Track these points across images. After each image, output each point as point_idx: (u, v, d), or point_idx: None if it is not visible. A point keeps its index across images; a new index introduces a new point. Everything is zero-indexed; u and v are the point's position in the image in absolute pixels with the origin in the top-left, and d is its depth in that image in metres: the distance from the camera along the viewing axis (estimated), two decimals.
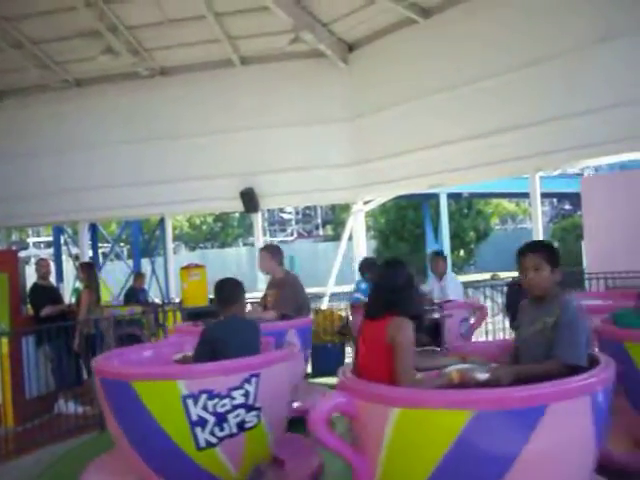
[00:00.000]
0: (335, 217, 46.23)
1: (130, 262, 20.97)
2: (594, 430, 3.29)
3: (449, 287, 8.94)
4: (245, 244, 45.41)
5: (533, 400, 3.11)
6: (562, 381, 3.25)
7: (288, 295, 6.91)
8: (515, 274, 7.86)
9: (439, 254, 9.63)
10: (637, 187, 10.29)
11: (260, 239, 16.31)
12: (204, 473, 4.44)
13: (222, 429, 4.39)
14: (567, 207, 42.23)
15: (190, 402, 4.31)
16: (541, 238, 12.18)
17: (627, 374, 4.08)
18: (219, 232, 47.38)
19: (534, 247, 4.10)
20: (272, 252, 7.26)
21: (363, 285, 9.18)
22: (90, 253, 18.37)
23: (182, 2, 13.29)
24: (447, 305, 7.51)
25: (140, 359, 5.55)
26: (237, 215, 43.52)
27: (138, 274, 14.26)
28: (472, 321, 8.59)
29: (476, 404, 3.08)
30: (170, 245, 16.99)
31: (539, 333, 3.83)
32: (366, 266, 9.31)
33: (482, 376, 3.57)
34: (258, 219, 16.03)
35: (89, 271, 9.78)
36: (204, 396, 4.32)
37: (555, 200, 42.95)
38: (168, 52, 14.97)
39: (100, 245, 21.24)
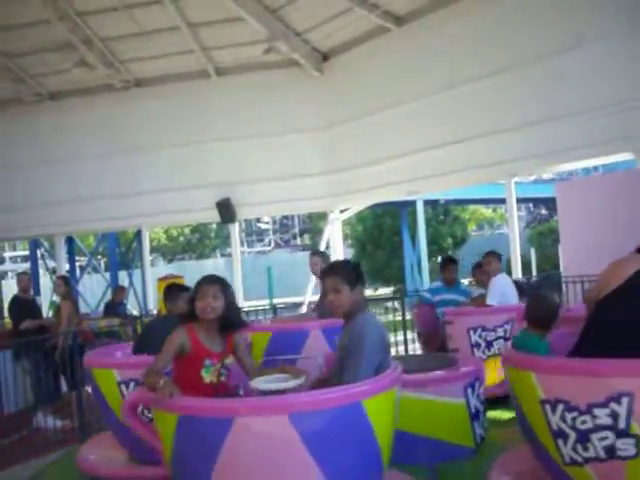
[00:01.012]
0: (312, 226, 46.24)
1: (107, 275, 20.82)
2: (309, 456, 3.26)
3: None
4: (223, 255, 45.24)
5: (220, 412, 3.37)
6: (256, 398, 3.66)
7: (320, 299, 7.07)
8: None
9: (452, 260, 8.92)
10: (611, 191, 10.41)
11: (237, 250, 16.29)
12: None
13: None
14: (543, 212, 42.54)
15: None
16: (518, 243, 12.31)
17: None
18: (196, 243, 47.19)
19: (332, 269, 4.12)
20: (323, 257, 7.62)
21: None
22: (67, 266, 18.22)
23: (156, 13, 13.27)
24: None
25: None
26: (214, 226, 43.37)
27: (118, 288, 14.16)
28: None
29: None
30: (147, 257, 16.91)
31: (339, 353, 3.94)
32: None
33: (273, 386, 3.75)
34: (235, 230, 16.01)
35: (67, 284, 9.72)
36: None
37: (531, 205, 43.29)
38: (143, 64, 14.93)
39: (77, 258, 21.03)
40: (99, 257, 32.34)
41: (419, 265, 25.09)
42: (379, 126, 13.62)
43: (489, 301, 7.13)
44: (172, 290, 6.02)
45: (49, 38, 13.69)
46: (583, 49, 10.46)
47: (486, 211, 40.61)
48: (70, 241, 18.54)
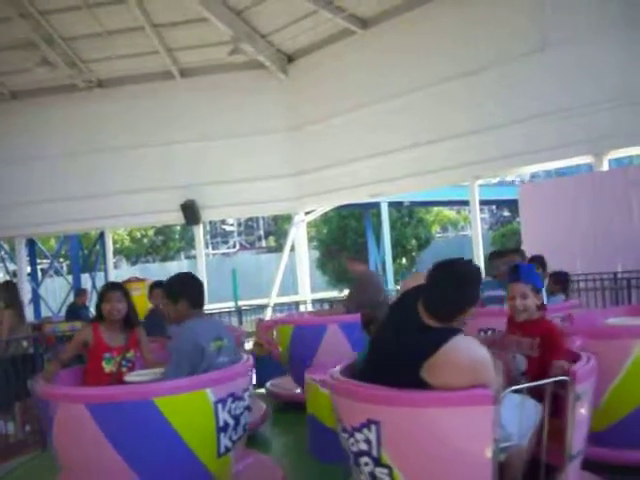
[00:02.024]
0: (277, 228, 46.18)
1: (70, 278, 20.56)
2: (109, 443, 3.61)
3: None
4: (187, 257, 44.91)
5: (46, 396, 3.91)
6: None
7: (353, 291, 7.55)
8: None
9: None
10: (571, 193, 10.57)
11: (202, 252, 16.22)
12: None
13: None
14: (506, 214, 43.02)
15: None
16: (480, 245, 12.45)
17: None
18: (161, 245, 46.80)
19: (156, 285, 4.72)
20: (351, 257, 7.92)
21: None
22: (28, 269, 17.94)
23: (120, 13, 13.15)
24: None
25: None
26: (179, 228, 43.06)
27: (80, 291, 13.96)
28: None
29: None
30: (110, 259, 16.75)
31: None
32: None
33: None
34: (200, 232, 15.93)
35: (10, 290, 9.37)
36: None
37: (494, 207, 43.75)
38: (106, 64, 14.78)
39: (39, 261, 20.73)
40: (61, 260, 31.88)
41: (384, 266, 25.20)
42: (344, 128, 13.67)
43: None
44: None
45: (10, 36, 13.50)
46: (547, 53, 10.62)
47: (450, 213, 40.94)
48: (31, 243, 18.25)
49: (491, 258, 7.04)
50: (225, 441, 3.91)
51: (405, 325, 3.23)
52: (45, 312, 17.32)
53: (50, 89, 15.39)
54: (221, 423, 3.86)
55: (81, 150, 15.08)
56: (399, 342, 3.17)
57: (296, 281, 15.89)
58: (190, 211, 14.85)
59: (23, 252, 16.95)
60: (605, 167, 10.64)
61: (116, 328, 4.67)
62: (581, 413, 3.28)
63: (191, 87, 15.03)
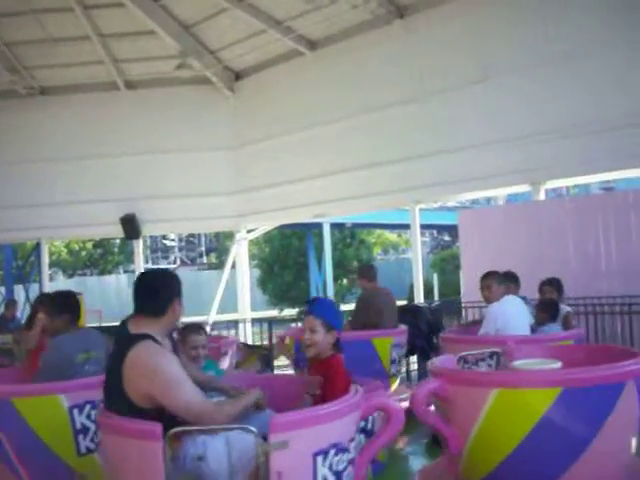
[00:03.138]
0: (219, 245, 45.86)
1: (2, 289, 20.00)
2: None
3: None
4: (126, 271, 44.23)
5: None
6: None
7: (357, 309, 7.59)
8: (397, 303, 8.04)
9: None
10: (508, 221, 10.79)
11: (141, 266, 15.97)
12: None
13: None
14: (447, 238, 43.66)
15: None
16: (420, 268, 12.58)
17: None
18: (99, 259, 45.98)
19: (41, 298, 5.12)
20: (360, 271, 8.11)
21: None
22: None
23: (66, 21, 12.97)
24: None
25: None
26: (118, 241, 42.39)
27: (9, 302, 13.56)
28: None
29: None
30: (46, 271, 16.34)
31: None
32: None
33: None
34: (139, 246, 15.71)
35: None
36: None
37: (435, 231, 44.35)
38: (50, 71, 14.52)
39: None
40: None
41: (324, 287, 25.24)
42: (289, 148, 13.70)
43: (480, 331, 6.09)
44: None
45: None
46: (488, 84, 10.84)
47: (391, 236, 41.32)
48: None
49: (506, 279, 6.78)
50: (86, 442, 4.27)
51: (117, 344, 3.26)
52: None
53: None
54: (78, 426, 4.24)
55: (19, 158, 14.69)
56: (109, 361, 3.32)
57: (236, 299, 15.78)
58: (130, 225, 14.63)
59: None
60: (542, 196, 10.89)
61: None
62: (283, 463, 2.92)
63: (136, 99, 14.87)
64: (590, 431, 3.63)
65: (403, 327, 7.49)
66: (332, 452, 3.02)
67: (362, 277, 7.73)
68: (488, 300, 6.22)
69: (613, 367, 3.80)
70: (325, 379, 3.65)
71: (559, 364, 4.08)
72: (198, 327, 4.51)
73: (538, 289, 6.99)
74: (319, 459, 2.98)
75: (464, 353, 4.80)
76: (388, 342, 7.04)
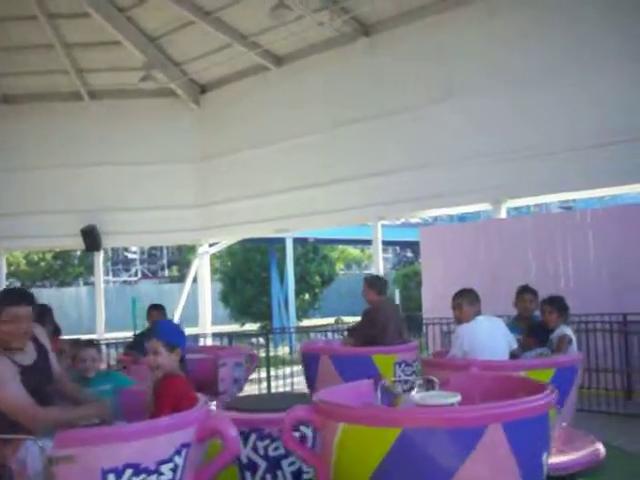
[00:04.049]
0: (181, 258, 45.54)
1: None
2: None
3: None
4: (86, 283, 43.67)
5: None
6: None
7: (361, 323, 7.20)
8: (359, 318, 8.03)
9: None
10: (469, 238, 10.91)
11: (100, 279, 15.82)
12: None
13: None
14: (409, 255, 43.94)
15: None
16: None
17: None
18: (59, 270, 45.34)
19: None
20: (369, 282, 7.40)
21: None
22: None
23: (29, 29, 12.85)
24: (221, 352, 7.42)
25: None
26: (79, 253, 41.86)
27: None
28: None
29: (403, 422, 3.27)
30: (3, 282, 16.05)
31: None
32: None
33: None
34: (100, 258, 15.53)
35: None
36: None
37: (398, 248, 44.62)
38: (13, 80, 14.37)
39: None
40: None
41: (286, 302, 25.18)
42: (252, 162, 13.70)
43: (450, 353, 5.69)
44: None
45: None
46: (452, 102, 10.98)
47: (354, 251, 41.46)
48: None
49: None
50: None
51: None
52: None
53: None
54: None
55: None
56: None
57: (198, 313, 15.67)
58: (90, 236, 14.46)
59: None
60: (503, 215, 11.03)
61: None
62: None
63: (100, 110, 14.74)
64: None
65: (412, 343, 7.14)
66: (129, 472, 3.01)
67: (370, 288, 7.24)
68: (459, 320, 5.81)
69: (472, 409, 3.39)
70: (155, 400, 3.68)
71: (456, 399, 3.62)
72: (87, 342, 4.86)
73: (539, 308, 6.25)
74: (111, 477, 2.99)
75: (392, 379, 4.54)
76: (391, 359, 6.66)
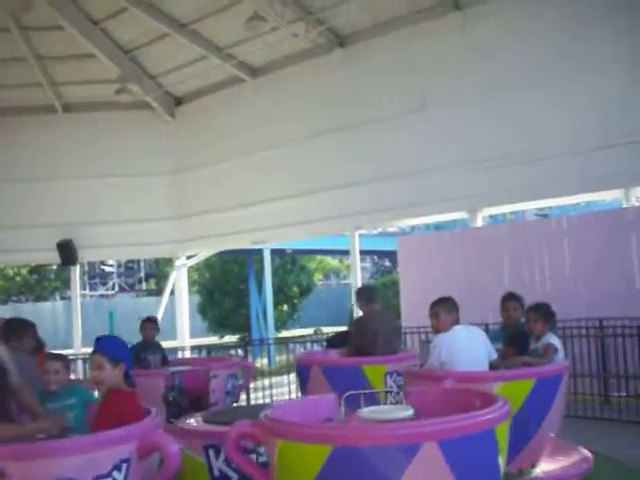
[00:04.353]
0: (159, 271, 45.30)
1: None
2: None
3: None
4: (63, 298, 43.28)
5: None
6: None
7: (352, 334, 7.06)
8: (338, 328, 8.02)
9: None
10: (446, 247, 10.99)
11: (77, 293, 15.71)
12: None
13: None
14: (387, 264, 44.03)
15: None
16: None
17: None
18: (34, 285, 44.92)
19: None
20: (358, 293, 7.43)
21: None
22: None
23: (2, 42, 12.73)
24: (212, 364, 7.33)
25: None
26: (55, 267, 41.50)
27: None
28: (240, 381, 7.79)
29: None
30: None
31: None
32: None
33: None
34: (76, 272, 15.41)
35: None
36: None
37: (376, 257, 44.72)
38: None
39: None
40: None
41: (265, 313, 25.14)
42: (229, 174, 13.69)
43: (427, 363, 5.47)
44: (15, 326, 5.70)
45: None
46: (425, 113, 11.07)
47: (333, 261, 41.47)
48: None
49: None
50: None
51: None
52: None
53: None
54: None
55: None
56: None
57: (176, 326, 15.59)
58: (66, 250, 14.34)
59: None
60: (479, 223, 11.11)
61: None
62: None
63: (74, 123, 14.66)
64: None
65: (406, 353, 7.03)
66: None
67: (358, 300, 7.25)
68: (436, 330, 5.59)
69: (406, 426, 3.23)
70: (97, 414, 3.71)
71: (406, 413, 3.48)
72: (54, 355, 4.85)
73: (524, 316, 5.97)
74: None
75: (348, 393, 4.33)
76: (381, 370, 6.47)
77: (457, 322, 5.54)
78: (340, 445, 3.08)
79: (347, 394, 3.84)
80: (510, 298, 6.27)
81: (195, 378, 6.79)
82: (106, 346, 3.84)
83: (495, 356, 5.46)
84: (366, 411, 3.59)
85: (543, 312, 5.69)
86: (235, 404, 7.39)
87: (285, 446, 3.28)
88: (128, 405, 3.63)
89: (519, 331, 5.93)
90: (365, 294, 7.28)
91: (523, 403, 4.71)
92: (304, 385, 6.87)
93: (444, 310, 5.55)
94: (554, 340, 5.59)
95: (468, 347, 5.30)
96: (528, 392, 4.79)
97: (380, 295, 8.24)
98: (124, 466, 3.20)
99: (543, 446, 4.92)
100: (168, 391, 6.36)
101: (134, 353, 7.21)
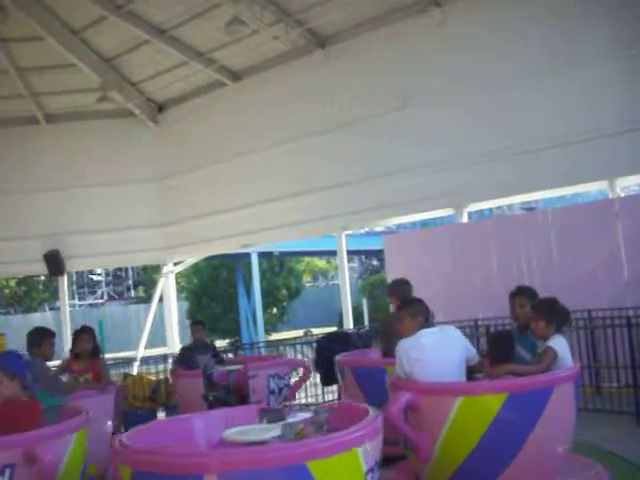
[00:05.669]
0: (147, 278, 45.14)
1: None
2: None
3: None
4: (52, 308, 43.04)
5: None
6: None
7: (380, 335, 6.85)
8: (328, 329, 8.01)
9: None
10: (433, 243, 11.01)
11: (66, 303, 15.64)
12: None
13: None
14: (375, 263, 44.05)
15: None
16: (349, 293, 12.69)
17: None
18: (23, 296, 44.65)
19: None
20: (391, 289, 6.69)
21: None
22: None
23: None
24: (251, 364, 7.17)
25: None
26: (43, 278, 41.27)
27: None
28: (293, 380, 7.90)
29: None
30: None
31: None
32: None
33: None
34: (64, 282, 15.34)
35: None
36: None
37: (363, 257, 44.73)
38: None
39: None
40: None
41: (254, 317, 25.15)
42: (214, 179, 13.68)
43: (394, 372, 4.94)
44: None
45: None
46: (408, 112, 11.09)
47: (320, 262, 41.48)
48: None
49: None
50: None
51: None
52: None
53: None
54: None
55: None
56: None
57: (164, 333, 15.56)
58: (54, 261, 14.28)
59: None
60: (465, 219, 11.15)
61: (84, 357, 6.87)
62: None
63: (57, 133, 14.61)
64: None
65: None
66: None
67: (392, 295, 6.46)
68: (400, 335, 4.93)
69: (283, 448, 3.17)
70: None
71: (268, 435, 3.39)
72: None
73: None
74: None
75: (260, 406, 4.29)
76: None
77: (427, 325, 4.95)
78: (223, 472, 2.96)
79: (260, 407, 4.12)
80: (518, 293, 5.45)
81: (239, 378, 6.80)
82: (2, 362, 4.12)
83: (476, 360, 4.87)
84: (232, 431, 3.68)
85: (545, 310, 4.89)
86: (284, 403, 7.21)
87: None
88: (23, 414, 3.92)
89: (501, 332, 5.45)
90: (400, 288, 6.48)
91: (491, 422, 4.22)
92: (340, 386, 6.92)
93: (408, 314, 4.95)
94: (557, 343, 4.74)
95: (434, 352, 4.67)
96: (497, 409, 4.23)
97: (368, 295, 8.22)
98: (7, 471, 3.56)
99: (540, 466, 4.39)
100: (208, 390, 6.36)
101: (187, 355, 8.22)
